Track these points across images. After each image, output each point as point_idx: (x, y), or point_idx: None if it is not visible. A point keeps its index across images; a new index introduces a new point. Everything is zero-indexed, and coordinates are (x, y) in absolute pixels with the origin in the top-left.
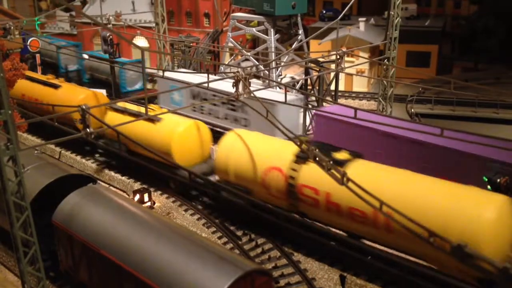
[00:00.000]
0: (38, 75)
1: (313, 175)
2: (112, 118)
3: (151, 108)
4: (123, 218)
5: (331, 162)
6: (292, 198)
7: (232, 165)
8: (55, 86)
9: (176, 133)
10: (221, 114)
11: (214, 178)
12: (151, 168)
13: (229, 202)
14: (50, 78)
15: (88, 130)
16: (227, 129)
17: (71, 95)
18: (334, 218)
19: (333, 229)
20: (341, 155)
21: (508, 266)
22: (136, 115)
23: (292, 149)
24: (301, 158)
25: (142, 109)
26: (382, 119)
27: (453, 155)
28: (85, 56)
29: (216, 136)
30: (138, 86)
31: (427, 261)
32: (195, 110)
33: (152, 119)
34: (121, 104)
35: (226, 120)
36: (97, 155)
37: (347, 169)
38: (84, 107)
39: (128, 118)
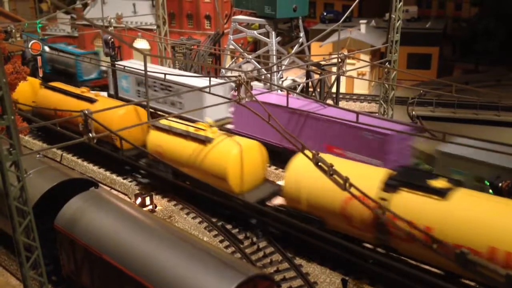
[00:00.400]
0: (72, 88)
1: (408, 206)
2: (156, 137)
3: (200, 128)
4: (125, 222)
5: (429, 190)
6: (380, 232)
7: (305, 192)
8: (91, 100)
9: (231, 155)
10: (161, 99)
11: (270, 202)
12: (204, 195)
13: (299, 233)
14: (84, 91)
15: (90, 135)
16: (166, 112)
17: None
18: (434, 255)
19: (422, 264)
20: (440, 183)
21: (511, 273)
22: (184, 135)
23: (377, 174)
24: (391, 186)
25: (190, 129)
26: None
27: (337, 125)
28: (47, 48)
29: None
30: (93, 75)
31: None
32: (139, 96)
33: (204, 140)
34: (164, 122)
35: (165, 104)
36: (139, 176)
37: (450, 199)
38: (86, 112)
39: (174, 139)
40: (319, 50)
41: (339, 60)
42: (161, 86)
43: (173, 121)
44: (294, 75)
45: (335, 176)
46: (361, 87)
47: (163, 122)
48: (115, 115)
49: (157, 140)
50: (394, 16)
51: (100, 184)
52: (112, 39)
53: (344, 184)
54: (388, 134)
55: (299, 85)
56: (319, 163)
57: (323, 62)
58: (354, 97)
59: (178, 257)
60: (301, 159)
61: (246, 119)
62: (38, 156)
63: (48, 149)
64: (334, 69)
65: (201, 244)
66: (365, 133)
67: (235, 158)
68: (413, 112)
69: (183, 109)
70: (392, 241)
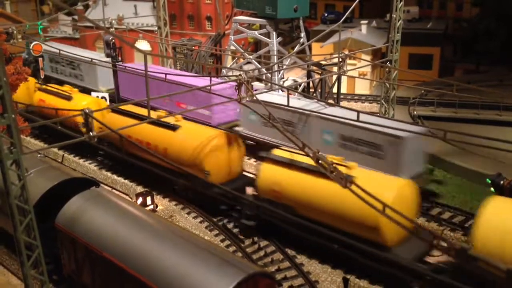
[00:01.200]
0: (144, 111)
1: None
2: (271, 173)
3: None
4: (125, 221)
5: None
6: None
7: None
8: (173, 128)
9: (386, 200)
10: (67, 73)
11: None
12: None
13: None
14: (160, 115)
15: (91, 133)
16: (72, 84)
17: (193, 138)
18: None
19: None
20: None
21: None
22: (313, 172)
23: None
24: None
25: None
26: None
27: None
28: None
29: None
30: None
31: None
32: (53, 72)
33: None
34: (280, 153)
35: (71, 77)
36: (243, 220)
37: None
38: (87, 111)
39: (298, 176)
40: (320, 51)
41: (340, 60)
42: (67, 62)
43: (293, 152)
44: (295, 75)
45: (335, 174)
46: (362, 87)
47: (278, 153)
48: (207, 147)
49: (273, 176)
50: (395, 15)
51: (101, 184)
52: (113, 40)
53: (345, 182)
54: (213, 93)
55: (300, 85)
56: (320, 161)
57: (323, 62)
58: (356, 97)
59: (179, 255)
60: (494, 209)
61: (127, 86)
62: (39, 155)
63: (48, 148)
64: (335, 69)
65: (202, 242)
66: (199, 93)
67: (392, 204)
68: (415, 112)
69: (83, 80)
70: None
